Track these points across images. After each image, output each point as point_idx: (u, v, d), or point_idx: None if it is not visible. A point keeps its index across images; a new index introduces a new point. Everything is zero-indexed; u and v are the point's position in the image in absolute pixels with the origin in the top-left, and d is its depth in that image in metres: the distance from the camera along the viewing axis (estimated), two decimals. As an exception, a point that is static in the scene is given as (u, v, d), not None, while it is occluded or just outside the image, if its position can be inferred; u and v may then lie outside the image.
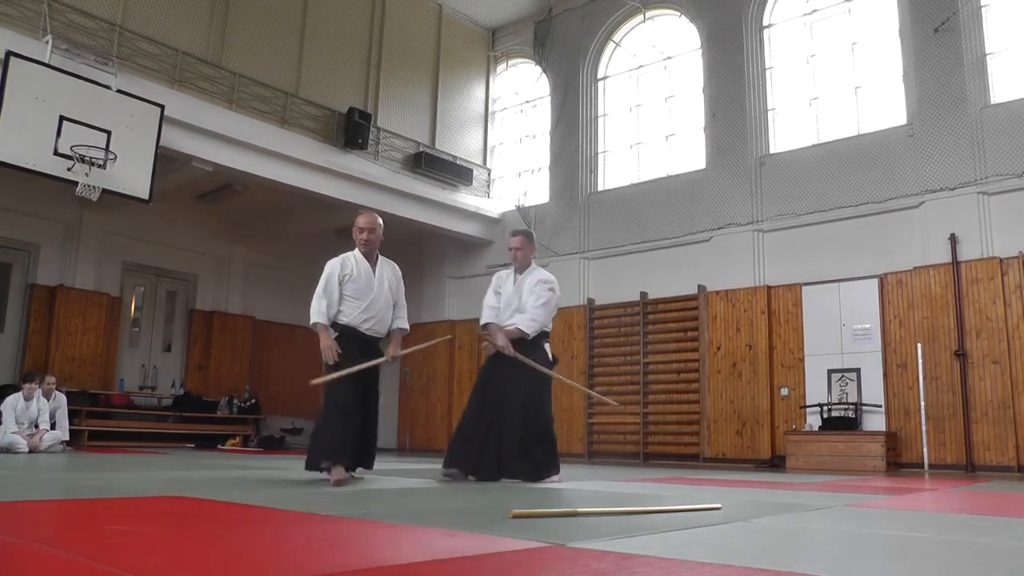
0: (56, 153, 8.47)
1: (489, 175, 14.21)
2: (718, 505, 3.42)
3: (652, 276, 11.50)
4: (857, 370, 9.53)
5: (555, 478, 5.14)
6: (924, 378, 8.96)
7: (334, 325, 4.91)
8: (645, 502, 3.64)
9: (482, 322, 5.55)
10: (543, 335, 5.46)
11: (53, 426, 8.99)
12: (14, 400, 8.76)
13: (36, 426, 8.82)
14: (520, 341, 5.30)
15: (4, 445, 8.36)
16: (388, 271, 5.19)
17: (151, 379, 12.78)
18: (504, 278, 5.62)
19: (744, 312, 10.46)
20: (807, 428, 9.52)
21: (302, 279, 14.72)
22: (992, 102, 9.20)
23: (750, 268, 10.57)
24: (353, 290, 4.94)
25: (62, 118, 8.50)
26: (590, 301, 12.05)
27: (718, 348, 10.62)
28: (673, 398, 11.12)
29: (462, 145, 13.98)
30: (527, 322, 5.31)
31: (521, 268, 5.56)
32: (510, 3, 13.88)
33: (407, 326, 5.21)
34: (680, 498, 4.02)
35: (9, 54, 8.19)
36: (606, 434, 11.66)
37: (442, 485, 4.75)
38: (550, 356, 5.48)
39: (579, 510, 2.97)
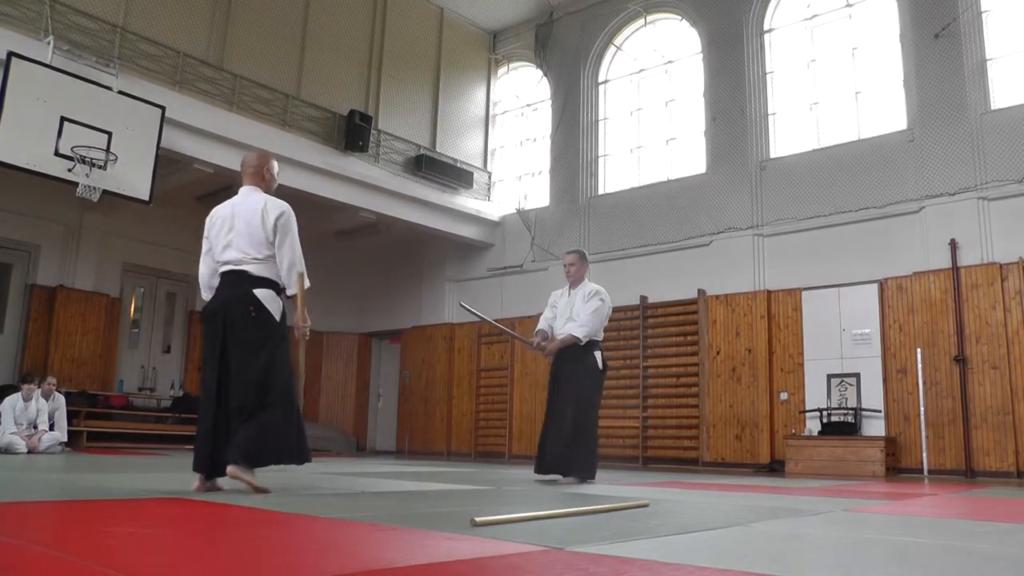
0: (57, 154, 8.47)
1: (490, 178, 14.22)
2: (646, 502, 3.60)
3: (652, 280, 11.50)
4: (857, 375, 9.52)
5: (571, 479, 5.60)
6: (924, 383, 8.96)
7: None
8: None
9: (537, 329, 6.24)
10: (594, 344, 5.96)
11: (52, 427, 8.99)
12: (13, 401, 8.76)
13: (35, 427, 8.82)
14: (571, 347, 5.88)
15: (3, 446, 8.36)
16: None
17: (150, 380, 12.78)
18: (559, 295, 6.26)
19: (744, 316, 10.47)
20: (806, 433, 9.51)
21: (302, 281, 14.79)
22: (992, 107, 9.21)
23: (750, 272, 10.57)
24: None
25: (63, 119, 8.51)
26: (590, 304, 12.03)
27: (718, 352, 10.62)
28: (672, 402, 11.11)
29: (463, 148, 13.99)
30: (578, 328, 5.86)
31: (575, 283, 6.15)
32: (511, 6, 13.91)
33: None
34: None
35: (11, 55, 8.20)
36: (605, 437, 11.59)
37: (442, 487, 4.74)
38: (600, 364, 5.93)
39: (539, 514, 3.01)
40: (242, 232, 3.99)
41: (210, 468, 3.82)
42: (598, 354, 5.94)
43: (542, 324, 6.20)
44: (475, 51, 14.55)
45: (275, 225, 3.99)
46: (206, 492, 3.77)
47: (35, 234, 11.44)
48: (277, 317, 3.96)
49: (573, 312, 5.97)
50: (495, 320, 6.68)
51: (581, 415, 5.76)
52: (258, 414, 3.78)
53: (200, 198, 12.33)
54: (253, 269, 3.98)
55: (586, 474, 5.67)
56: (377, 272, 14.91)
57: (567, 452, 5.66)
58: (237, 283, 3.95)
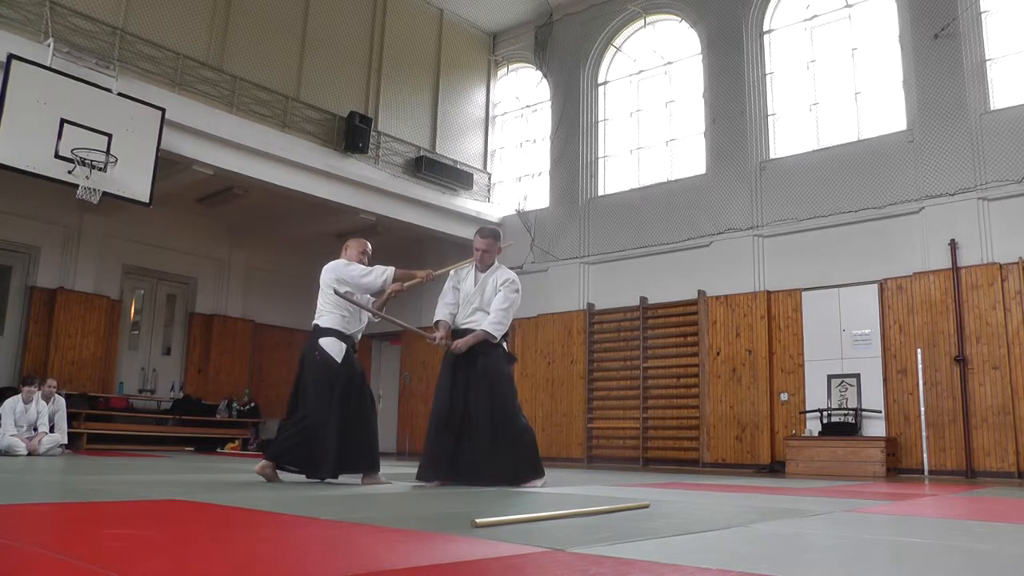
0: (57, 156, 8.47)
1: (489, 179, 14.22)
2: (647, 503, 3.59)
3: (652, 281, 11.50)
4: (857, 375, 9.52)
5: (537, 483, 5.02)
6: (924, 384, 8.96)
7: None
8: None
9: (435, 319, 5.44)
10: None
11: (52, 429, 8.99)
12: (13, 403, 8.76)
13: (35, 429, 8.82)
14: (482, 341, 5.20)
15: (3, 448, 8.36)
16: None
17: (150, 382, 12.78)
18: (464, 275, 5.52)
19: (744, 317, 10.46)
20: (807, 433, 9.51)
21: (302, 283, 14.77)
22: (992, 108, 9.21)
23: (750, 273, 10.57)
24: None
25: (63, 121, 8.51)
26: (590, 306, 12.05)
27: (718, 353, 10.61)
28: (673, 403, 11.11)
29: (463, 149, 13.99)
30: (493, 326, 5.18)
31: (484, 267, 5.44)
32: (511, 8, 13.91)
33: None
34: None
35: (11, 57, 8.20)
36: (605, 439, 11.65)
37: (443, 490, 4.74)
38: (507, 353, 5.38)
39: (539, 515, 3.01)
40: (321, 291, 5.21)
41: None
42: (505, 344, 5.31)
43: (442, 312, 5.43)
44: (475, 52, 14.55)
45: (339, 275, 5.22)
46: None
47: (35, 236, 11.44)
48: (339, 360, 5.00)
49: (483, 301, 5.27)
50: (400, 320, 5.89)
51: (513, 415, 5.13)
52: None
53: (200, 200, 12.35)
54: (322, 321, 5.10)
55: (539, 475, 5.10)
56: (377, 273, 14.87)
57: (513, 459, 4.99)
58: (312, 332, 5.14)
